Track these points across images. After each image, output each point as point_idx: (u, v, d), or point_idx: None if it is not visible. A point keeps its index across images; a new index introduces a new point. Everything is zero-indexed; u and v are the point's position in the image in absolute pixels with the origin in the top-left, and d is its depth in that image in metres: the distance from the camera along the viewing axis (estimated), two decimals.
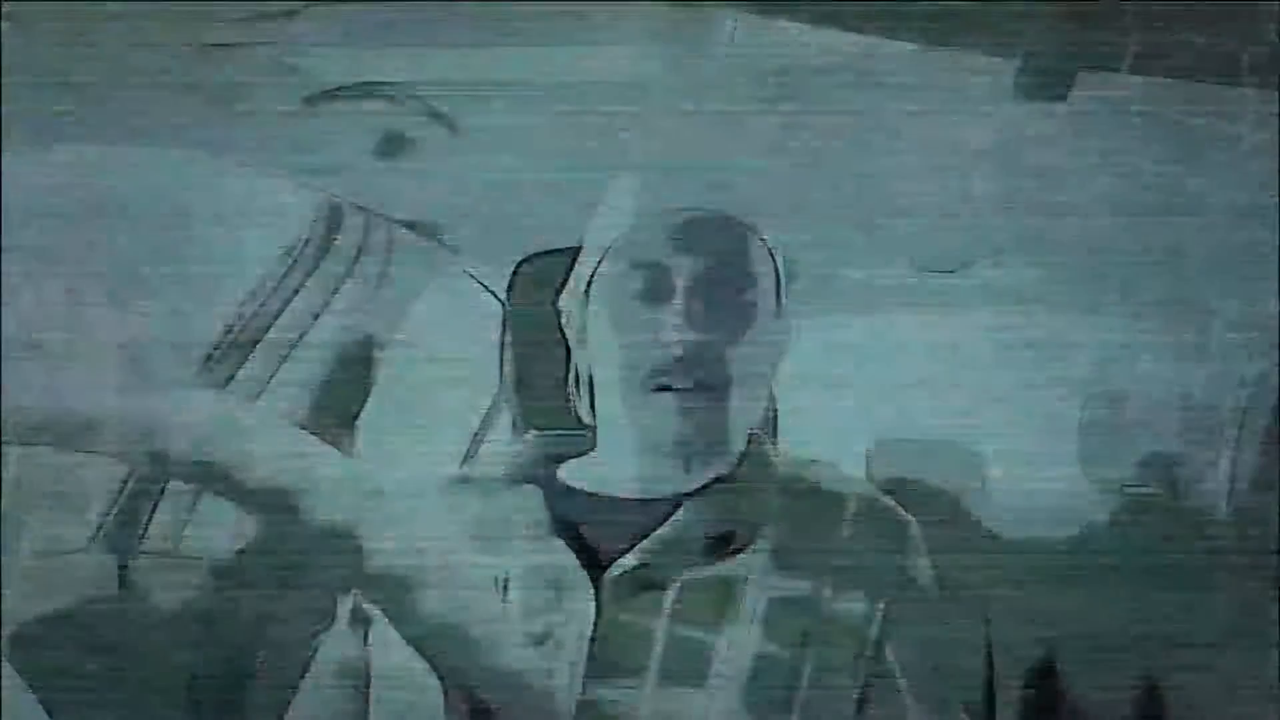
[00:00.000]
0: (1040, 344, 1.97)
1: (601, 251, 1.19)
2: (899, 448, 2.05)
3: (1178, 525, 1.86)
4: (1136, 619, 1.62)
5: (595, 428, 1.22)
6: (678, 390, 1.14)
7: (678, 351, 1.14)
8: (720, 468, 1.19)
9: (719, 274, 1.16)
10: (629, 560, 1.14)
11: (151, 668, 1.60)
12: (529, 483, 1.21)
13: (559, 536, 1.17)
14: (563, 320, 1.23)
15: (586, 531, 1.17)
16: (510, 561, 1.16)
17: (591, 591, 1.14)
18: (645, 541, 1.15)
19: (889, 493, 1.23)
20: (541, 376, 1.30)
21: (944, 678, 1.16)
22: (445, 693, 0.71)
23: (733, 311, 1.16)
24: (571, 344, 1.23)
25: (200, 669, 1.66)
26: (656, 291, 1.16)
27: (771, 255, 1.19)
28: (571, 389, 1.24)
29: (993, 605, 1.43)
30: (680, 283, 1.15)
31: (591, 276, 1.20)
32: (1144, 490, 1.89)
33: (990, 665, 1.31)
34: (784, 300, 1.20)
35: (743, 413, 1.19)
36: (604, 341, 1.18)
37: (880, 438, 2.07)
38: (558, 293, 1.23)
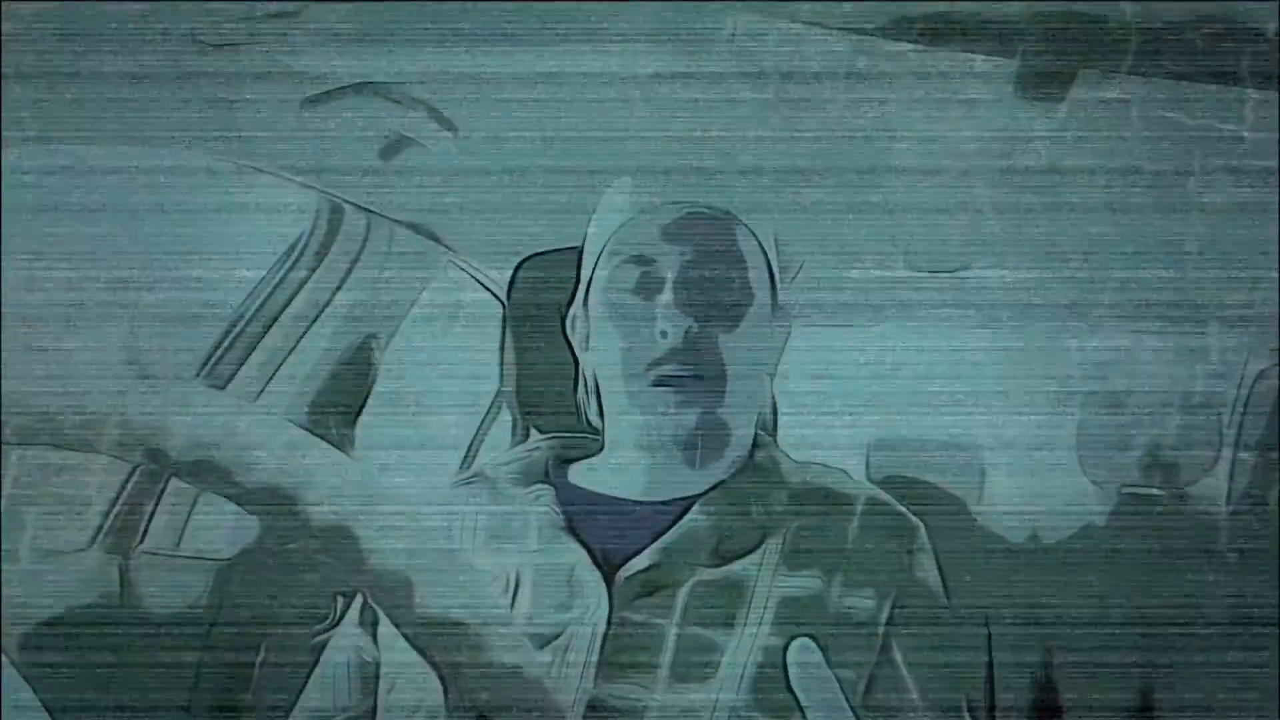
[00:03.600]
0: (1039, 344, 1.97)
1: (596, 256, 1.20)
2: (899, 448, 2.05)
3: (1178, 525, 1.86)
4: (1136, 618, 1.62)
5: (603, 431, 1.23)
6: (675, 380, 1.15)
7: (674, 340, 1.15)
8: (727, 468, 1.19)
9: (707, 261, 1.17)
10: (641, 561, 1.15)
11: (151, 668, 1.60)
12: (540, 483, 1.22)
13: (571, 537, 1.17)
14: (568, 328, 1.24)
15: (598, 532, 1.18)
16: (522, 561, 1.16)
17: (604, 592, 1.14)
18: (656, 543, 1.15)
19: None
20: (542, 376, 1.30)
21: (948, 676, 1.17)
22: (446, 692, 0.71)
23: (725, 298, 1.17)
24: (577, 351, 1.23)
25: (200, 669, 1.66)
26: (647, 283, 1.17)
27: (762, 247, 1.20)
28: (581, 396, 1.25)
29: (992, 605, 1.43)
30: (670, 274, 1.16)
31: (590, 281, 1.20)
32: (1144, 490, 1.89)
33: (991, 664, 1.31)
34: (779, 293, 1.21)
35: (743, 404, 1.19)
36: (604, 340, 1.19)
37: (880, 438, 2.07)
38: (569, 303, 1.24)
